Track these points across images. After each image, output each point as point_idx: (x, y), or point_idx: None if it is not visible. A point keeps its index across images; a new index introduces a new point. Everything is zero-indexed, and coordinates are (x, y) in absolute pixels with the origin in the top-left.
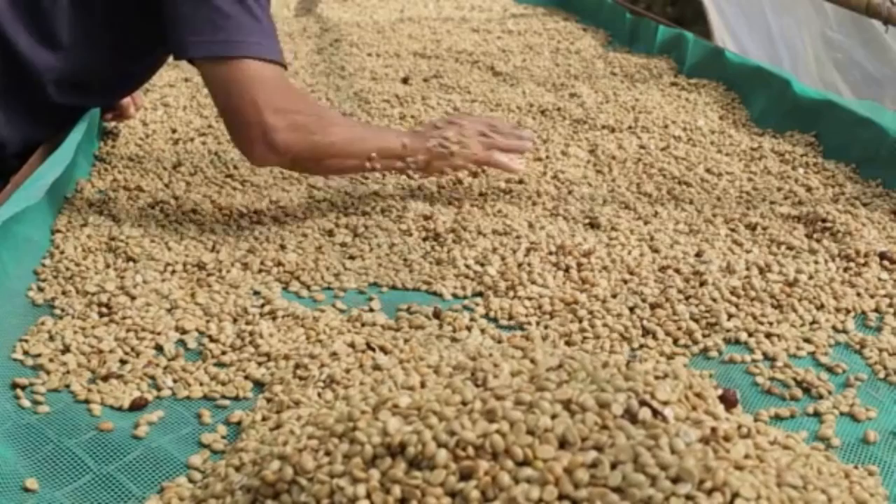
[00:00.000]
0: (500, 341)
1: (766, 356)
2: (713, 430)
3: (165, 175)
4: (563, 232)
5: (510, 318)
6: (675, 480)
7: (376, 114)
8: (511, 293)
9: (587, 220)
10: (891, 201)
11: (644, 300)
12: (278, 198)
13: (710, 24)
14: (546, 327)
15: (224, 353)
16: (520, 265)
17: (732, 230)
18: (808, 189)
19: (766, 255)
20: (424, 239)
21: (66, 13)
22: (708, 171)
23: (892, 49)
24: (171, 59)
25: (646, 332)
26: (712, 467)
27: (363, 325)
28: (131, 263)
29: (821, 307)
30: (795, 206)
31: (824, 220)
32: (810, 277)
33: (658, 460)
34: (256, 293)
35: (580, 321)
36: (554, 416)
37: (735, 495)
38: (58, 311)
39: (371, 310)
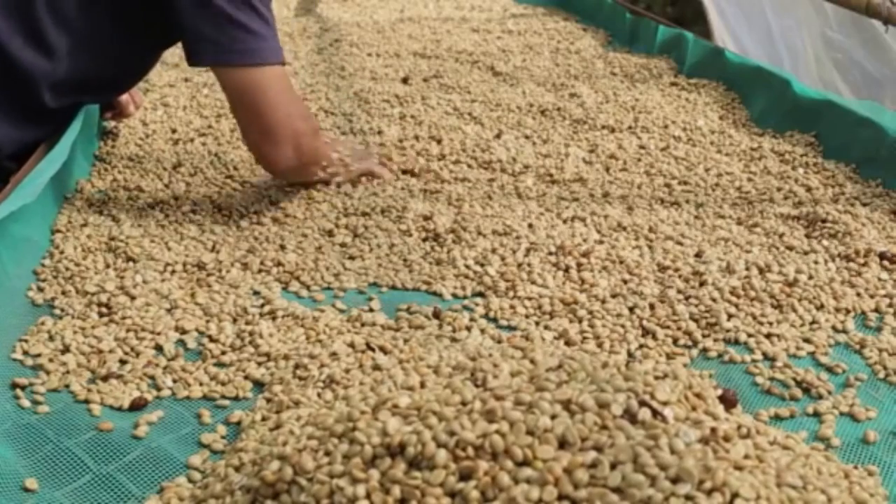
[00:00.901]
0: (499, 341)
1: (765, 356)
2: (713, 430)
3: (165, 175)
4: (563, 232)
5: (510, 318)
6: (675, 481)
7: (376, 114)
8: (511, 293)
9: (587, 221)
10: (891, 201)
11: (644, 300)
12: (278, 198)
13: (710, 24)
14: (546, 327)
15: (224, 353)
16: (520, 265)
17: (732, 230)
18: (808, 189)
19: (766, 255)
20: (424, 239)
21: (66, 16)
22: (708, 171)
23: (892, 49)
24: (167, 57)
25: (645, 332)
26: (712, 467)
27: (363, 325)
28: (131, 263)
29: (821, 307)
30: (795, 206)
31: (824, 220)
32: (810, 277)
33: (658, 460)
34: (256, 293)
35: (580, 321)
36: (554, 417)
37: (735, 495)
38: (58, 311)
39: (371, 310)
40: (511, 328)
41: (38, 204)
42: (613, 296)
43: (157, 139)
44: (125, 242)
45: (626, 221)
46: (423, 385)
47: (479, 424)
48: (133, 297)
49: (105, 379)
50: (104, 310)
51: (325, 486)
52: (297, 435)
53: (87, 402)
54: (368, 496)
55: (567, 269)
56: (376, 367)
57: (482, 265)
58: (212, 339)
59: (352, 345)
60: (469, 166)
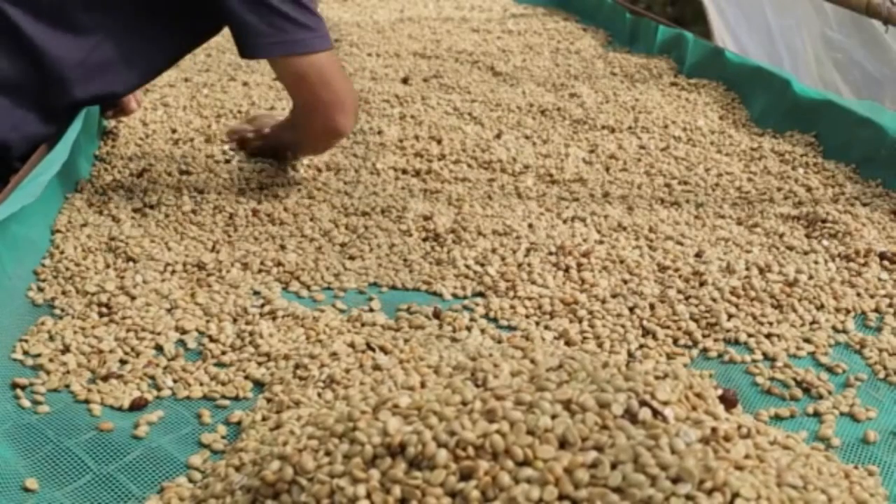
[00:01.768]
0: (500, 341)
1: (765, 356)
2: (713, 430)
3: (165, 175)
4: (563, 232)
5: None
6: (676, 480)
7: (376, 114)
8: (511, 293)
9: (587, 221)
10: (891, 201)
11: (644, 300)
12: (279, 198)
13: (710, 24)
14: (546, 327)
15: (224, 353)
16: (520, 265)
17: (732, 230)
18: (808, 189)
19: (766, 256)
20: (424, 239)
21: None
22: (708, 171)
23: (892, 49)
24: None
25: (646, 332)
26: (712, 467)
27: (363, 325)
28: (131, 263)
29: (821, 307)
30: (795, 206)
31: (824, 221)
32: (810, 277)
33: (658, 460)
34: (256, 293)
35: (580, 321)
36: (554, 417)
37: (735, 495)
38: (58, 312)
39: (371, 310)
40: (511, 328)
41: (38, 204)
42: (613, 296)
43: (157, 139)
44: (125, 242)
45: (626, 221)
46: (423, 385)
47: (479, 424)
48: (133, 297)
49: (105, 379)
50: (104, 310)
51: (326, 485)
52: (298, 435)
53: (87, 402)
54: (369, 496)
55: (567, 269)
56: (376, 367)
57: (482, 265)
58: (212, 339)
59: (352, 345)
60: (469, 166)
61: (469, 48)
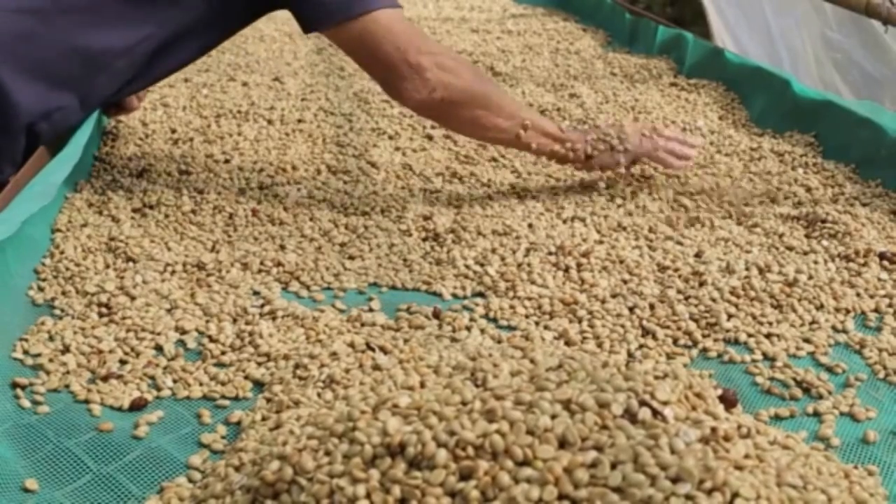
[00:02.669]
0: (499, 341)
1: (765, 356)
2: (713, 430)
3: (165, 176)
4: (563, 232)
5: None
6: (675, 480)
7: (376, 113)
8: (511, 293)
9: (587, 221)
10: (890, 201)
11: (644, 300)
12: (278, 198)
13: (710, 25)
14: (546, 327)
15: (224, 353)
16: (519, 265)
17: (732, 230)
18: (808, 189)
19: (766, 256)
20: (424, 239)
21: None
22: (708, 171)
23: (892, 49)
24: None
25: (645, 332)
26: (712, 467)
27: (363, 325)
28: (131, 263)
29: (820, 307)
30: (795, 207)
31: (824, 221)
32: (810, 277)
33: (658, 460)
34: (256, 293)
35: (580, 321)
36: (554, 416)
37: (735, 495)
38: (58, 312)
39: (371, 310)
40: (511, 328)
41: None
42: (613, 296)
43: (157, 139)
44: (125, 242)
45: (625, 221)
46: (423, 385)
47: (479, 424)
48: (133, 298)
49: (105, 379)
50: (104, 310)
51: (325, 485)
52: (297, 435)
53: (87, 402)
54: (368, 496)
55: (567, 269)
56: (376, 367)
57: (482, 265)
58: (212, 340)
59: (352, 345)
60: (469, 166)
61: (469, 48)
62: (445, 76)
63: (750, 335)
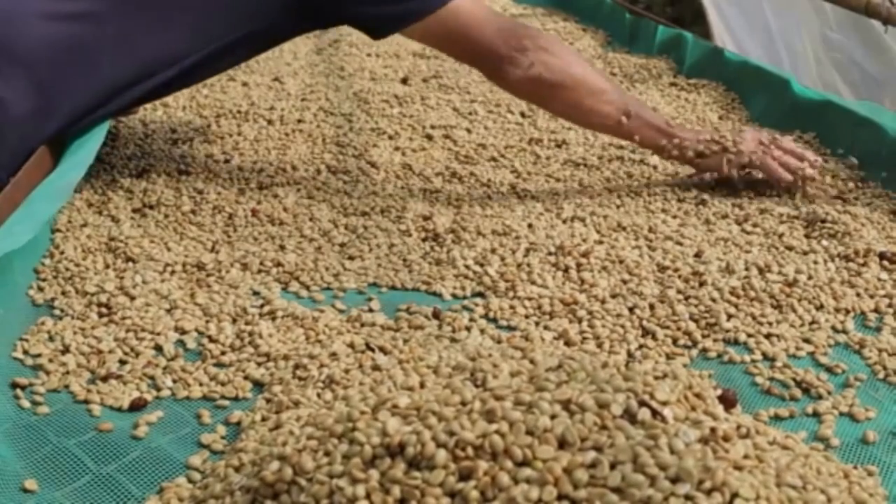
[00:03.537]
0: (499, 341)
1: (765, 356)
2: (712, 430)
3: (165, 176)
4: (563, 232)
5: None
6: (675, 480)
7: (376, 113)
8: (510, 293)
9: (587, 221)
10: (890, 201)
11: (644, 300)
12: (278, 198)
13: (710, 24)
14: (545, 328)
15: (223, 353)
16: (519, 265)
17: (732, 230)
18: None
19: (766, 256)
20: (424, 239)
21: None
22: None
23: (892, 49)
24: None
25: (645, 332)
26: (711, 467)
27: (362, 325)
28: (131, 264)
29: (820, 307)
30: (795, 207)
31: (824, 221)
32: (810, 278)
33: (657, 460)
34: (256, 293)
35: (580, 321)
36: (553, 417)
37: (734, 495)
38: (57, 312)
39: (370, 310)
40: (511, 328)
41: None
42: (613, 296)
43: (157, 139)
44: (125, 243)
45: (625, 221)
46: (422, 385)
47: (478, 424)
48: (133, 298)
49: (105, 379)
50: (104, 310)
51: (325, 486)
52: (297, 435)
53: (86, 402)
54: (368, 496)
55: (567, 270)
56: (376, 368)
57: (482, 265)
58: (211, 340)
59: (351, 345)
60: (469, 166)
61: None
62: (544, 55)
63: (750, 335)
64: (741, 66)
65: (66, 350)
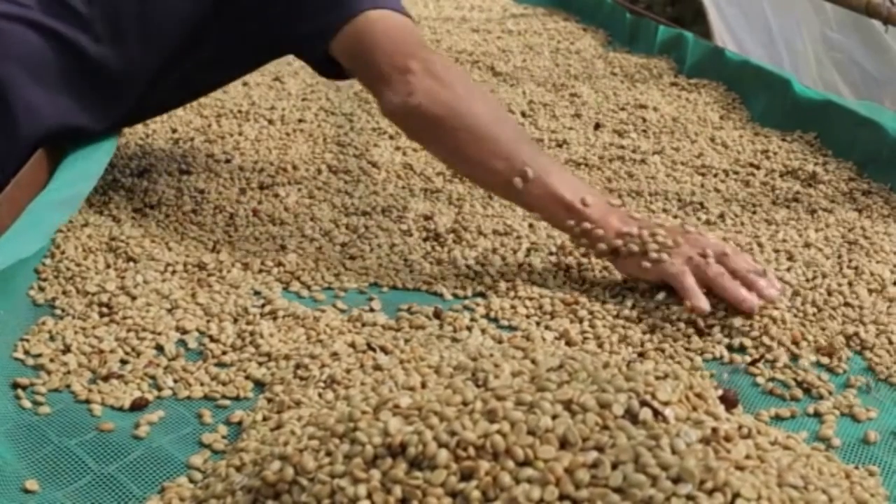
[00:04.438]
0: (500, 341)
1: (765, 357)
2: (714, 430)
3: (166, 175)
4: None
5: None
6: (676, 481)
7: (377, 113)
8: (512, 293)
9: None
10: (891, 201)
11: (644, 300)
12: (278, 198)
13: (710, 24)
14: (547, 327)
15: (225, 353)
16: (520, 265)
17: (732, 230)
18: (809, 188)
19: (766, 255)
20: (425, 239)
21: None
22: (707, 170)
23: (892, 49)
24: None
25: (646, 332)
26: (713, 467)
27: (364, 325)
28: (132, 263)
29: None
30: (795, 207)
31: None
32: (811, 278)
33: (659, 460)
34: (257, 293)
35: (581, 321)
36: (555, 417)
37: (736, 495)
38: (58, 311)
39: (371, 310)
40: (512, 328)
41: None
42: (614, 296)
43: (157, 139)
44: (126, 242)
45: None
46: (424, 385)
47: (480, 424)
48: (134, 297)
49: (106, 379)
50: (105, 310)
51: (327, 486)
52: (299, 435)
53: (87, 402)
54: (370, 496)
55: (568, 270)
56: (377, 368)
57: (483, 265)
58: (213, 339)
59: (353, 345)
60: None
61: (469, 48)
62: (431, 82)
63: (753, 337)
64: (742, 65)
65: (67, 350)
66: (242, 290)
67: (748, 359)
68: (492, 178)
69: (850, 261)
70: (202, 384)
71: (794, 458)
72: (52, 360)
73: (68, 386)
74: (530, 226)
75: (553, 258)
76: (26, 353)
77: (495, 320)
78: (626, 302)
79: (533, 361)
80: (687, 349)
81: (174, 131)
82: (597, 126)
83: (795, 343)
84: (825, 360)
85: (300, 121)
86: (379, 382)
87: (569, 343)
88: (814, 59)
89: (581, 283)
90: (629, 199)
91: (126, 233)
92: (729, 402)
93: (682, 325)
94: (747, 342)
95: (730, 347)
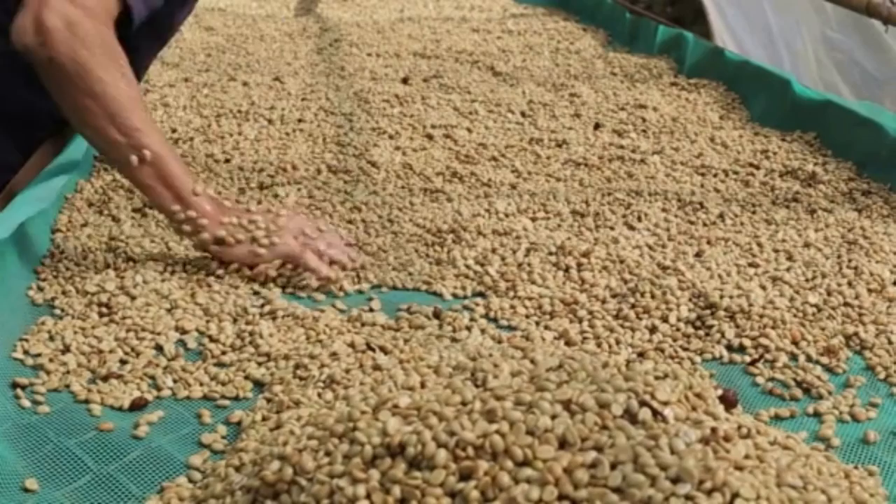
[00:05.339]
0: (500, 341)
1: (765, 357)
2: (713, 430)
3: None
4: (563, 232)
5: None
6: (675, 481)
7: (376, 113)
8: (511, 293)
9: (587, 220)
10: (891, 201)
11: (644, 300)
12: (278, 198)
13: (710, 24)
14: (546, 327)
15: (224, 353)
16: (520, 265)
17: (732, 230)
18: (809, 188)
19: (766, 255)
20: (424, 239)
21: None
22: (707, 170)
23: (892, 49)
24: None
25: (646, 331)
26: (712, 467)
27: (363, 325)
28: (131, 263)
29: (824, 304)
30: (795, 207)
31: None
32: (808, 279)
33: (658, 460)
34: (256, 293)
35: (580, 321)
36: (554, 417)
37: (735, 495)
38: (58, 311)
39: (371, 310)
40: (511, 328)
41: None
42: (613, 296)
43: None
44: (125, 242)
45: (626, 221)
46: (423, 385)
47: (479, 424)
48: (133, 297)
49: (105, 379)
50: (104, 310)
51: (326, 486)
52: (298, 435)
53: (87, 402)
54: (369, 496)
55: (567, 269)
56: (376, 368)
57: (482, 265)
58: (212, 339)
59: (352, 345)
60: (470, 165)
61: (469, 48)
62: (67, 36)
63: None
64: (742, 65)
65: (66, 350)
66: (242, 290)
67: (748, 359)
68: (113, 152)
69: (849, 261)
70: (201, 384)
71: (793, 458)
72: (51, 360)
73: (68, 386)
74: (531, 222)
75: (553, 258)
76: (26, 352)
77: (495, 320)
78: (626, 302)
79: (532, 361)
80: (686, 349)
81: (174, 131)
82: (596, 126)
83: (795, 343)
84: (825, 359)
85: (300, 121)
86: (378, 382)
87: (568, 343)
88: (814, 60)
89: (581, 283)
90: (629, 198)
91: (125, 232)
92: (728, 401)
93: (681, 325)
94: (747, 342)
95: (729, 347)
